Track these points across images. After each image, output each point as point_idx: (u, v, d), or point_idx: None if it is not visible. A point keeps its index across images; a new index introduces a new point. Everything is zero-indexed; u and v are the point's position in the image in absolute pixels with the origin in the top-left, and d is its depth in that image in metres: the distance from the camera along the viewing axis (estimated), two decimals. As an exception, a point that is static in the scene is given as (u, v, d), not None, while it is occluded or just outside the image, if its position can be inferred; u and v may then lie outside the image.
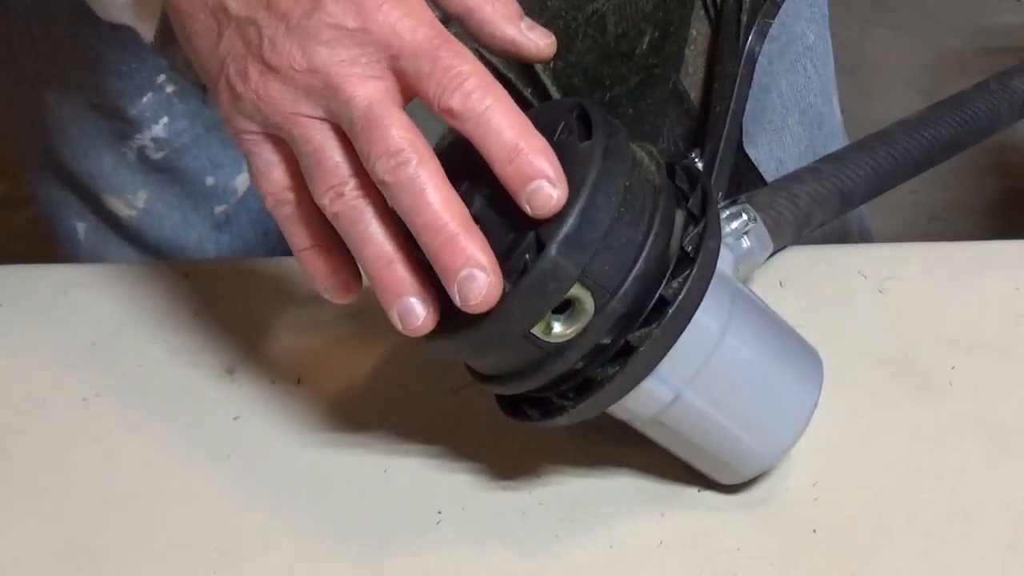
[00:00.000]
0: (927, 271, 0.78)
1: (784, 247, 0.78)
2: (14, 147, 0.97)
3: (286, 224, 0.63)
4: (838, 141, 0.96)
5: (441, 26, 0.59)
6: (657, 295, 0.60)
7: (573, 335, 0.59)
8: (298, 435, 0.72)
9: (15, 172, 2.08)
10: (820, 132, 0.94)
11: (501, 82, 0.59)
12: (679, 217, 0.62)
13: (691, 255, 0.61)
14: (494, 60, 0.73)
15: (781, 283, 0.78)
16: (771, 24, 0.80)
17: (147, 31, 0.83)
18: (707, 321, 0.62)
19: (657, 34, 0.75)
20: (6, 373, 0.77)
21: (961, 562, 0.65)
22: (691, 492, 0.68)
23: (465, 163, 0.60)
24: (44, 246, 0.98)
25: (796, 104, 0.92)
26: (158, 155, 0.89)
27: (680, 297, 0.60)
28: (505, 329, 0.59)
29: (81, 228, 0.94)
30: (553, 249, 0.58)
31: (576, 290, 0.58)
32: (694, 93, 0.81)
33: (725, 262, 0.64)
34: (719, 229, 0.63)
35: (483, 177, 0.59)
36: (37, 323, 0.80)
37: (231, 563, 0.67)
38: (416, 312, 0.60)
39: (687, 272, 0.60)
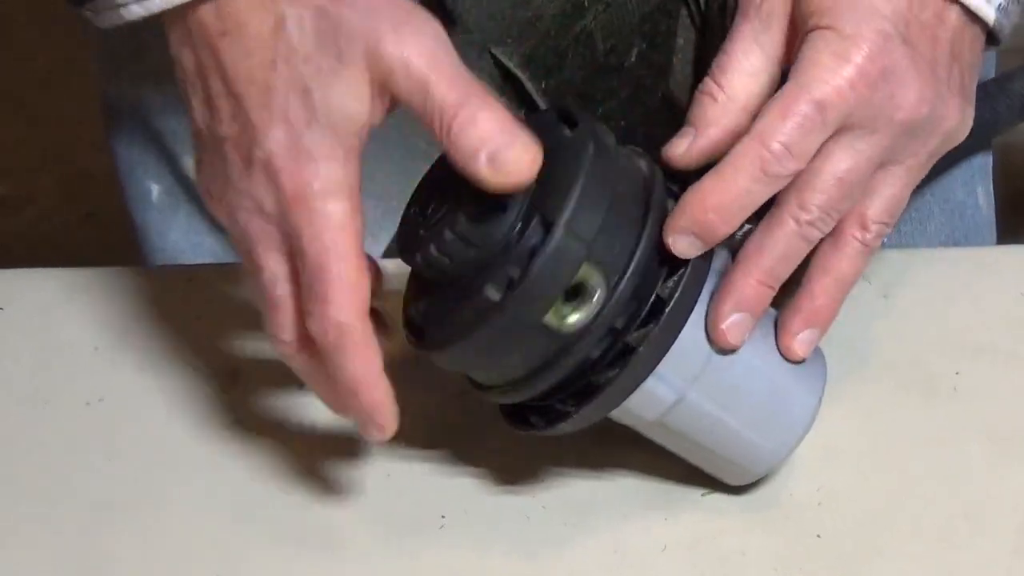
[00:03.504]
0: (932, 276, 0.78)
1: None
2: (100, 97, 0.95)
3: None
4: (984, 233, 0.93)
5: (350, 232, 0.60)
6: (654, 295, 0.60)
7: (587, 320, 0.59)
8: (301, 439, 0.72)
9: (16, 172, 2.08)
10: (961, 223, 0.92)
11: (511, 81, 0.59)
12: (671, 207, 0.62)
13: None
14: (505, 60, 0.73)
15: (785, 287, 0.78)
16: None
17: None
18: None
19: (645, 46, 0.76)
20: (9, 377, 0.77)
21: (965, 567, 0.64)
22: (695, 496, 0.68)
23: (448, 179, 0.60)
24: (45, 248, 0.98)
25: (940, 194, 0.91)
26: None
27: (676, 295, 0.60)
28: (515, 322, 0.59)
29: (155, 190, 0.95)
30: (559, 231, 0.58)
31: (585, 271, 0.59)
32: (685, 100, 0.81)
33: (721, 261, 0.64)
34: None
35: (463, 189, 0.59)
36: (40, 327, 0.79)
37: (233, 568, 0.67)
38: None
39: (682, 270, 0.61)
